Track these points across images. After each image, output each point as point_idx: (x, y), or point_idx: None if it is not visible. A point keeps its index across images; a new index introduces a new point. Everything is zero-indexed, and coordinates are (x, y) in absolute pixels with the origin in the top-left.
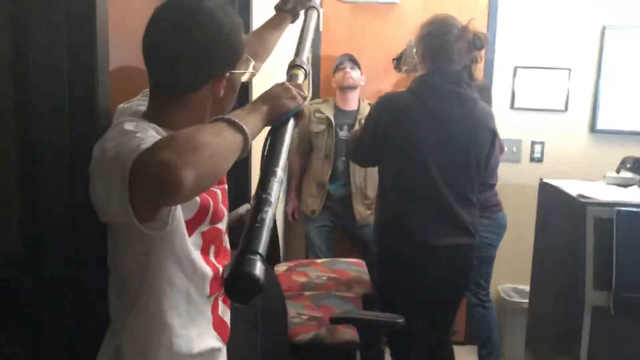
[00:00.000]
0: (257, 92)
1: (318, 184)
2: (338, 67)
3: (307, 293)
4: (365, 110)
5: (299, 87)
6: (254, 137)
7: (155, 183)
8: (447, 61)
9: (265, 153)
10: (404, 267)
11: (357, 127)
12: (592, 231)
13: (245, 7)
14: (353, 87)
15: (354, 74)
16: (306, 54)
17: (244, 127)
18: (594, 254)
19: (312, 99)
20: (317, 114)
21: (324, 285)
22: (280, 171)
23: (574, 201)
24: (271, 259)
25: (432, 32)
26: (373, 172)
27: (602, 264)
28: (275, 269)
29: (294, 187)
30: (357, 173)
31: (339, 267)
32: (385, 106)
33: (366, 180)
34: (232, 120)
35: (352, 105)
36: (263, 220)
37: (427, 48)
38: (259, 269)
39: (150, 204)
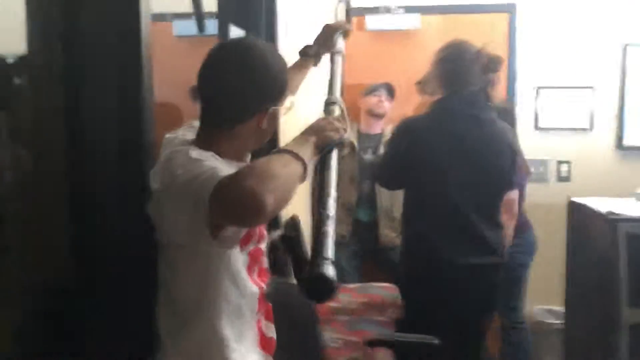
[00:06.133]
0: None
1: (345, 208)
2: (373, 92)
3: (340, 318)
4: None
5: (339, 120)
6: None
7: (240, 206)
8: (462, 84)
9: (315, 179)
10: (430, 286)
11: (382, 149)
12: (624, 248)
13: None
14: (382, 116)
15: (387, 105)
16: (338, 92)
17: (304, 158)
18: (628, 271)
19: None
20: None
21: (356, 310)
22: (333, 191)
23: (604, 218)
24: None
25: (446, 56)
26: (399, 193)
27: (637, 280)
28: None
29: None
30: (383, 195)
31: (371, 292)
32: (404, 130)
33: (392, 202)
34: (294, 152)
35: (376, 129)
36: (327, 232)
37: (442, 72)
38: (331, 270)
39: (221, 225)
